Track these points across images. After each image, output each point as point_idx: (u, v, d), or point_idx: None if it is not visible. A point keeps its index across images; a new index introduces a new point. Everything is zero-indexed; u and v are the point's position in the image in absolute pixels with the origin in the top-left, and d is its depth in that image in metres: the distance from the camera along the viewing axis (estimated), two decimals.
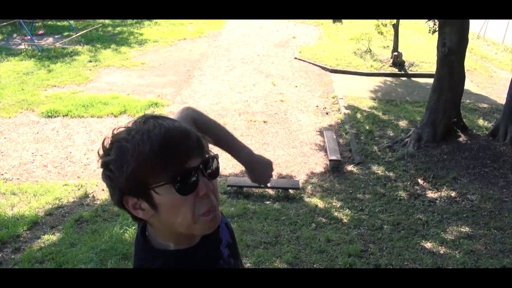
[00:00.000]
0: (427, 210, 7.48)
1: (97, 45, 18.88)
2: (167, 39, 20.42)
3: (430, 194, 8.16)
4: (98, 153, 1.25)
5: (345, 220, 7.14)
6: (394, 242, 6.33)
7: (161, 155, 1.12)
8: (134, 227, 6.06)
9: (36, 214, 6.83)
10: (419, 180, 8.70)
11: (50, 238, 6.09)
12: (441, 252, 6.17)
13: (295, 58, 17.93)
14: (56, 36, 20.58)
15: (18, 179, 8.61)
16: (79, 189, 7.86)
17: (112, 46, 18.94)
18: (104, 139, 1.24)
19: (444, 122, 9.75)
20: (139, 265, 1.32)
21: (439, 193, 8.16)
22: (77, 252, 5.37)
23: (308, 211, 7.47)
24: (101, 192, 7.79)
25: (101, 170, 1.23)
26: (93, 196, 7.60)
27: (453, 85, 9.51)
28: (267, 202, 7.93)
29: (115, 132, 1.22)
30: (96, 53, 17.83)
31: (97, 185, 8.11)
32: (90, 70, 15.99)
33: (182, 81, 15.08)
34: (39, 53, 17.41)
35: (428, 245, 6.29)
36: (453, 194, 8.05)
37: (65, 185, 8.08)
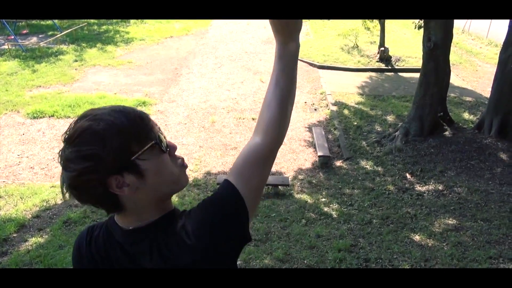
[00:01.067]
0: (415, 204, 7.57)
1: (83, 44, 18.65)
2: (154, 37, 20.26)
3: (418, 187, 8.26)
4: (60, 159, 1.23)
5: (335, 215, 7.19)
6: (383, 236, 6.40)
7: (140, 122, 1.25)
8: None
9: (23, 216, 6.74)
10: (407, 174, 8.80)
11: (38, 240, 6.01)
12: (429, 244, 6.25)
13: None
14: (40, 36, 20.27)
15: (4, 181, 8.47)
16: None
17: (98, 45, 18.73)
18: (60, 151, 1.24)
19: (431, 116, 9.86)
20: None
21: (426, 186, 8.26)
22: (65, 254, 5.31)
23: (298, 207, 7.50)
24: None
25: (73, 173, 1.20)
26: None
27: (439, 80, 9.62)
28: None
29: (72, 131, 1.22)
30: (81, 53, 17.61)
31: None
32: (75, 69, 15.79)
33: (170, 79, 14.98)
34: (23, 53, 17.13)
35: (416, 238, 6.37)
36: (440, 187, 8.16)
37: (53, 186, 7.98)
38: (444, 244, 6.26)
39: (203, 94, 13.60)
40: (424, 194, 7.95)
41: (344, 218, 7.03)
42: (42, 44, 18.03)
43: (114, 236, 1.39)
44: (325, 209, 7.46)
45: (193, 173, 9.01)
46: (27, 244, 5.95)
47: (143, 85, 14.37)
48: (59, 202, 7.25)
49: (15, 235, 6.22)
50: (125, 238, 1.35)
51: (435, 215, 7.10)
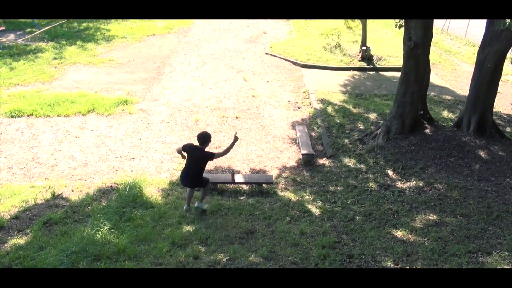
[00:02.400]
0: (397, 200, 7.70)
1: (62, 42, 18.29)
2: (136, 35, 20.01)
3: (400, 184, 8.40)
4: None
5: (319, 213, 7.25)
6: (366, 232, 6.48)
7: None
8: (106, 228, 5.92)
9: (2, 218, 6.57)
10: (389, 171, 8.93)
11: (17, 242, 5.87)
12: (411, 240, 6.37)
13: (266, 53, 17.98)
14: (18, 33, 19.79)
15: None
16: (46, 191, 7.61)
17: (78, 42, 18.40)
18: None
19: (412, 114, 10.03)
20: None
21: (408, 183, 8.40)
22: (46, 256, 5.21)
23: (282, 205, 7.53)
24: (70, 193, 7.58)
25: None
26: (63, 197, 7.37)
27: (419, 78, 9.79)
28: (241, 198, 7.94)
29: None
30: (61, 50, 17.27)
31: (66, 186, 7.88)
32: (55, 67, 15.47)
33: (152, 77, 14.83)
34: (0, 50, 16.68)
35: (398, 233, 6.48)
36: (421, 184, 8.31)
37: (32, 187, 7.81)
38: (425, 239, 6.38)
39: (186, 92, 13.51)
40: (406, 191, 8.09)
41: (327, 215, 7.10)
42: (19, 41, 17.61)
43: None
44: (309, 206, 7.51)
45: (176, 172, 8.94)
46: (6, 246, 5.80)
47: (125, 84, 14.19)
48: (39, 202, 7.10)
49: None
50: None
51: (416, 211, 7.24)
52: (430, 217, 7.07)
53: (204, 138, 6.77)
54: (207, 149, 6.89)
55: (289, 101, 13.26)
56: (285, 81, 14.96)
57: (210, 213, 6.99)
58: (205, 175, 7.20)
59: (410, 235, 6.41)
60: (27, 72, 14.72)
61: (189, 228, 6.34)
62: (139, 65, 16.12)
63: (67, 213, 6.61)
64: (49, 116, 11.42)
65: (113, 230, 5.86)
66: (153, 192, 7.79)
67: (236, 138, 6.88)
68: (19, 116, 11.36)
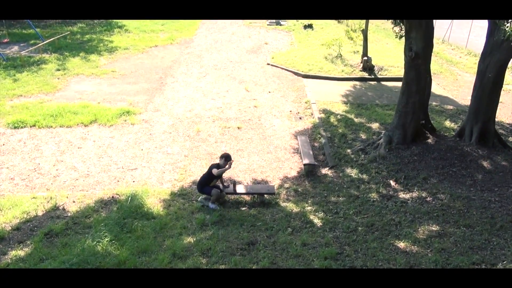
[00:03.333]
0: (399, 211, 7.65)
1: (65, 53, 18.44)
2: (138, 46, 20.17)
3: (402, 195, 8.36)
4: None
5: (320, 224, 7.21)
6: (368, 243, 6.44)
7: None
8: (106, 239, 5.90)
9: (2, 229, 6.56)
10: (391, 182, 8.90)
11: (17, 253, 5.85)
12: (414, 251, 6.32)
13: (268, 64, 18.07)
14: (21, 44, 19.97)
15: None
16: (48, 202, 7.61)
17: (81, 54, 18.55)
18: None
19: (413, 124, 10.03)
20: None
21: (410, 193, 8.36)
22: (46, 268, 5.18)
23: (284, 216, 7.50)
24: (71, 204, 7.57)
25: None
26: (64, 209, 7.36)
27: (421, 88, 9.80)
28: (243, 208, 7.92)
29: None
30: (64, 62, 17.40)
31: (67, 197, 7.88)
32: (58, 78, 15.58)
33: (155, 88, 14.91)
34: (4, 62, 16.82)
35: (401, 245, 6.43)
36: (423, 194, 8.27)
37: (34, 198, 7.81)
38: (428, 250, 6.33)
39: (188, 103, 13.57)
40: (408, 201, 8.05)
41: (329, 226, 7.05)
42: (23, 53, 17.75)
43: None
44: (311, 217, 7.48)
45: (178, 182, 8.93)
46: (6, 257, 5.78)
47: (127, 94, 14.26)
48: (40, 213, 7.09)
49: None
50: None
51: (419, 222, 7.19)
52: (433, 228, 7.02)
53: (222, 155, 8.08)
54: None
55: (290, 111, 13.29)
56: (287, 91, 15.01)
57: (211, 223, 6.96)
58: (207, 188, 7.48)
59: (413, 246, 6.36)
60: (30, 83, 14.82)
61: (190, 239, 6.32)
62: (141, 76, 16.22)
63: (68, 225, 6.60)
64: (51, 127, 11.46)
65: (114, 241, 5.85)
66: (154, 203, 7.78)
67: (230, 164, 7.92)
68: (21, 127, 11.41)
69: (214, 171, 7.68)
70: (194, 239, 6.33)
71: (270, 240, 6.46)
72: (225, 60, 18.40)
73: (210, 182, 7.80)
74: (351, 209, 7.75)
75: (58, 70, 16.43)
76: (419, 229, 6.90)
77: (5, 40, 20.40)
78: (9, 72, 15.84)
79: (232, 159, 8.05)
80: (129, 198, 7.40)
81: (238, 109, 13.24)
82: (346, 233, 6.77)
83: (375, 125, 11.94)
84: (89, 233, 6.18)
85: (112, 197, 7.85)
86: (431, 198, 8.08)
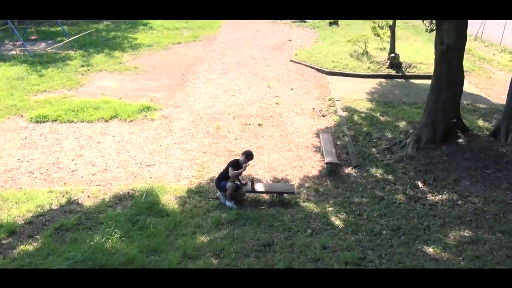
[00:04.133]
0: (428, 214, 7.15)
1: (90, 50, 18.61)
2: (162, 43, 20.16)
3: (431, 197, 7.84)
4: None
5: (342, 226, 6.80)
6: (394, 248, 5.99)
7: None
8: (116, 236, 5.71)
9: (14, 222, 6.47)
10: (419, 183, 8.38)
11: (26, 248, 5.73)
12: (445, 258, 5.83)
13: (291, 60, 17.68)
14: (49, 41, 20.30)
15: (1, 186, 8.25)
16: (63, 196, 7.51)
17: (105, 50, 18.67)
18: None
19: (444, 122, 9.45)
20: None
21: (440, 196, 7.83)
22: (49, 264, 5.01)
23: (303, 216, 7.13)
24: (86, 199, 7.45)
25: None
26: (78, 203, 7.24)
27: (452, 84, 9.21)
28: (261, 208, 7.60)
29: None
30: (88, 58, 17.54)
31: (83, 192, 7.77)
32: (82, 74, 15.69)
33: (176, 85, 14.79)
34: (31, 58, 17.11)
35: (430, 251, 5.95)
36: (454, 197, 7.73)
37: (50, 191, 7.74)
38: (460, 258, 5.83)
39: (209, 99, 13.36)
40: (437, 204, 7.52)
41: (352, 229, 6.64)
42: (49, 49, 18.02)
43: None
44: (332, 218, 7.08)
45: (195, 179, 8.70)
46: (14, 252, 5.67)
47: (148, 91, 14.19)
48: (55, 207, 6.99)
49: (4, 241, 5.95)
50: None
51: (449, 226, 6.68)
52: (465, 234, 6.49)
53: (244, 151, 7.93)
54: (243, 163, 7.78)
55: (313, 108, 12.88)
56: (310, 88, 14.59)
57: (227, 222, 6.67)
58: (224, 183, 7.21)
59: (443, 253, 5.87)
60: (55, 79, 14.96)
61: (204, 238, 6.05)
62: (163, 73, 16.14)
63: (80, 220, 6.45)
64: (72, 121, 11.47)
65: (123, 239, 5.64)
66: (170, 199, 7.56)
67: (245, 167, 7.88)
68: (44, 122, 11.47)
69: (231, 171, 7.41)
70: (208, 239, 6.06)
71: (288, 242, 6.11)
72: (248, 57, 18.12)
73: (227, 179, 7.53)
74: (375, 211, 7.30)
75: (82, 66, 16.56)
76: (450, 235, 6.40)
77: (33, 37, 20.80)
78: (36, 67, 16.07)
79: (253, 157, 7.79)
80: (144, 194, 7.20)
81: (259, 106, 12.93)
82: (369, 237, 6.34)
83: (402, 124, 11.38)
84: (100, 229, 6.01)
85: (128, 192, 7.69)
86: (462, 202, 7.52)
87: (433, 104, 9.38)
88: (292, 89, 14.50)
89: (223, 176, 7.58)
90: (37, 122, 11.44)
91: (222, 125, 11.47)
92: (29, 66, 16.21)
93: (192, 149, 10.14)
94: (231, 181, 7.47)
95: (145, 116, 12.01)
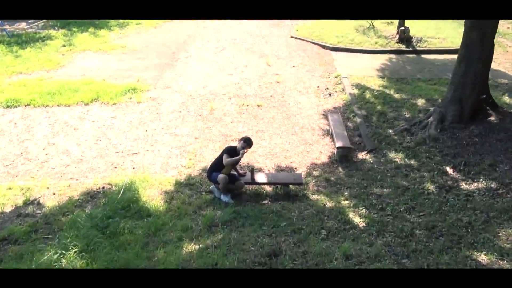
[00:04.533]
0: (465, 207, 5.91)
1: (73, 29, 17.07)
2: (151, 21, 18.58)
3: (465, 185, 6.60)
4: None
5: (364, 224, 5.57)
6: (435, 255, 4.75)
7: None
8: (74, 250, 4.42)
9: None
10: (448, 169, 7.13)
11: None
12: (505, 268, 4.57)
13: (292, 36, 16.23)
14: (29, 21, 18.75)
15: None
16: (23, 194, 6.22)
17: (90, 29, 17.14)
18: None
19: (473, 98, 8.16)
20: None
21: (475, 184, 6.59)
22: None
23: (314, 213, 5.90)
24: (50, 197, 6.18)
25: None
26: (39, 203, 5.96)
27: (485, 54, 7.89)
28: (264, 202, 6.36)
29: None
30: (71, 37, 16.04)
31: (48, 188, 6.49)
32: (63, 55, 14.23)
33: (166, 64, 13.38)
34: (8, 38, 15.62)
35: (483, 258, 4.71)
36: (493, 185, 6.49)
37: (9, 188, 6.45)
38: None
39: (202, 79, 11.99)
40: (474, 194, 6.29)
41: (376, 228, 5.40)
42: (28, 28, 16.52)
43: None
44: (350, 215, 5.84)
45: (185, 169, 7.45)
46: None
47: (135, 71, 12.80)
48: (8, 210, 5.72)
49: None
50: None
51: (496, 223, 5.44)
52: None
53: (242, 137, 6.60)
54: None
55: (318, 87, 11.54)
56: (313, 65, 13.22)
57: (222, 223, 5.43)
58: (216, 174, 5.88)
59: (501, 261, 4.63)
60: (32, 60, 13.54)
61: (192, 247, 4.80)
62: (152, 51, 14.71)
63: (37, 226, 5.18)
64: (47, 106, 10.13)
65: (84, 254, 4.37)
66: (154, 195, 6.31)
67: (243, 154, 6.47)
68: (15, 106, 10.13)
69: (225, 158, 6.14)
70: (197, 247, 4.80)
71: (299, 250, 4.87)
72: (245, 34, 16.65)
73: (221, 169, 6.27)
74: (401, 205, 6.06)
75: (64, 46, 15.09)
76: (500, 234, 5.17)
77: None
78: (12, 48, 14.61)
79: (252, 144, 6.52)
80: (122, 190, 5.93)
81: (258, 85, 11.58)
82: (400, 239, 5.10)
83: (420, 102, 10.08)
84: (55, 240, 4.74)
85: (103, 187, 6.41)
86: (504, 190, 6.29)
87: (460, 78, 8.07)
88: (293, 66, 13.13)
89: (217, 165, 6.32)
90: (7, 107, 10.09)
91: (217, 106, 10.15)
92: (5, 46, 14.75)
93: (183, 134, 8.85)
94: (225, 172, 6.22)
95: (130, 98, 10.67)
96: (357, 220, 5.67)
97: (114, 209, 5.39)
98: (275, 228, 5.36)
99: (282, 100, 10.61)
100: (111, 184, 6.53)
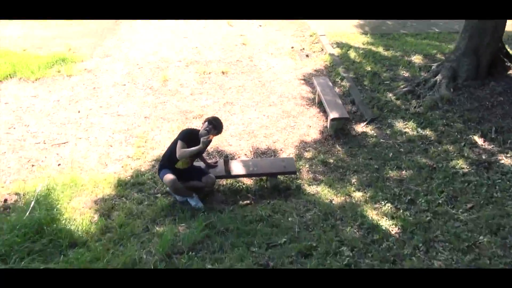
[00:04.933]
0: None
1: None
2: None
3: (506, 159, 5.04)
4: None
5: (395, 228, 3.86)
6: None
7: None
8: None
9: None
10: (476, 138, 5.57)
11: None
12: None
13: None
14: None
15: None
16: None
17: None
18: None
19: (492, 48, 6.58)
20: None
21: None
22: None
23: (321, 215, 4.12)
24: None
25: None
26: None
27: None
28: (245, 203, 4.51)
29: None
30: None
31: None
32: None
33: (106, 28, 10.93)
34: None
35: None
36: None
37: None
38: None
39: (151, 44, 9.73)
40: None
41: (418, 235, 3.69)
42: None
43: None
44: (372, 215, 4.12)
45: (132, 161, 5.44)
46: None
47: (67, 38, 10.30)
48: None
49: None
50: None
51: None
52: None
53: (207, 118, 4.54)
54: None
55: (292, 47, 9.64)
56: (283, 23, 11.25)
57: (189, 249, 3.53)
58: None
59: None
60: None
61: None
62: None
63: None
64: None
65: None
66: (84, 205, 4.27)
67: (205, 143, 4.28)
68: None
69: (179, 148, 4.14)
70: None
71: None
72: None
73: (175, 162, 4.30)
74: (435, 193, 4.41)
75: None
76: None
77: None
78: None
79: (222, 129, 4.53)
80: (32, 204, 3.86)
81: (221, 48, 9.51)
82: (462, 254, 3.42)
83: (417, 58, 8.44)
84: None
85: (5, 201, 4.29)
86: None
87: (479, 21, 6.42)
88: (260, 26, 11.12)
89: (169, 157, 4.33)
90: None
91: (171, 76, 8.04)
92: None
93: (128, 113, 6.74)
94: (181, 166, 4.28)
95: (59, 71, 8.30)
96: (385, 223, 3.95)
97: (15, 239, 3.34)
98: (271, 250, 3.51)
99: (252, 65, 8.65)
100: (19, 194, 4.41)
